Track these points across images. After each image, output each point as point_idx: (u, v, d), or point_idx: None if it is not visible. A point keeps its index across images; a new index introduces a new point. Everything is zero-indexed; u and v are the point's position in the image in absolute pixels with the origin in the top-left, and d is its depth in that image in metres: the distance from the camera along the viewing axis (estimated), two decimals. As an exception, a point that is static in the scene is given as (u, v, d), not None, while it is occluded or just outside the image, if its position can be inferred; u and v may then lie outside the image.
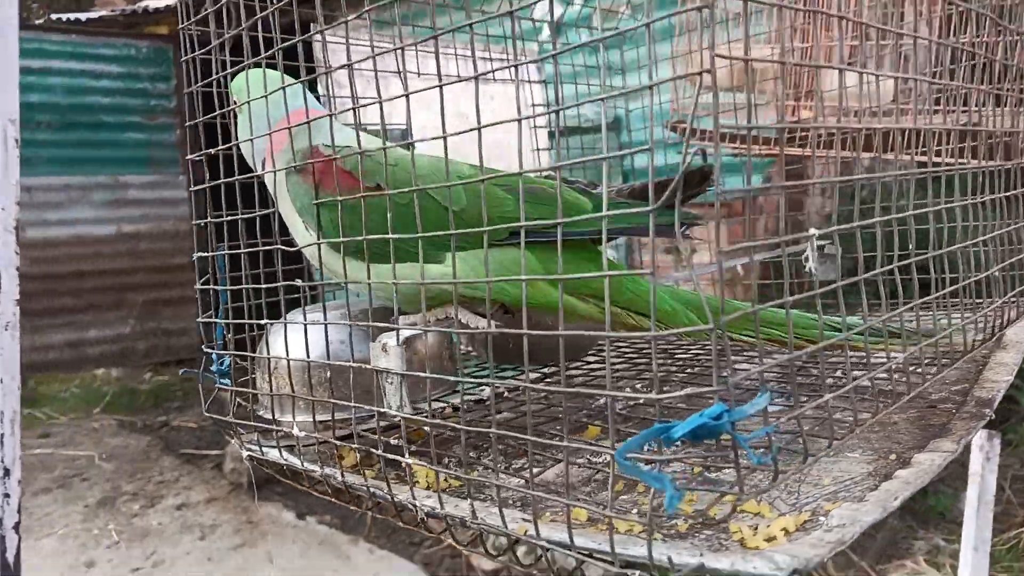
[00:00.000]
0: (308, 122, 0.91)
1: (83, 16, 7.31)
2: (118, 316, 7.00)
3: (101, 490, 4.61)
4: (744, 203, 3.39)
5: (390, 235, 0.81)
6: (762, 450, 0.75)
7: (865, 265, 0.77)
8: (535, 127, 1.92)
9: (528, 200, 1.00)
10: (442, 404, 1.11)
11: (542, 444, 0.70)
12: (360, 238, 0.84)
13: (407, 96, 0.83)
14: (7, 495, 0.64)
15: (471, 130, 0.79)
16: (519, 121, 0.72)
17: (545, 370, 1.32)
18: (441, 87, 0.81)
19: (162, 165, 7.20)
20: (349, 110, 0.90)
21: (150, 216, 7.12)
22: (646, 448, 0.83)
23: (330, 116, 0.91)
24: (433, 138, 0.81)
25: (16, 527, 0.62)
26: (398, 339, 0.86)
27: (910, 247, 0.84)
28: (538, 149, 1.84)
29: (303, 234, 1.07)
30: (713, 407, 0.51)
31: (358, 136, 0.87)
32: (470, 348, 1.45)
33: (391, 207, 0.83)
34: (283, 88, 0.94)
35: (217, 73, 1.02)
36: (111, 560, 3.78)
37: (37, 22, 7.69)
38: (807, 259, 1.04)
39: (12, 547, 0.62)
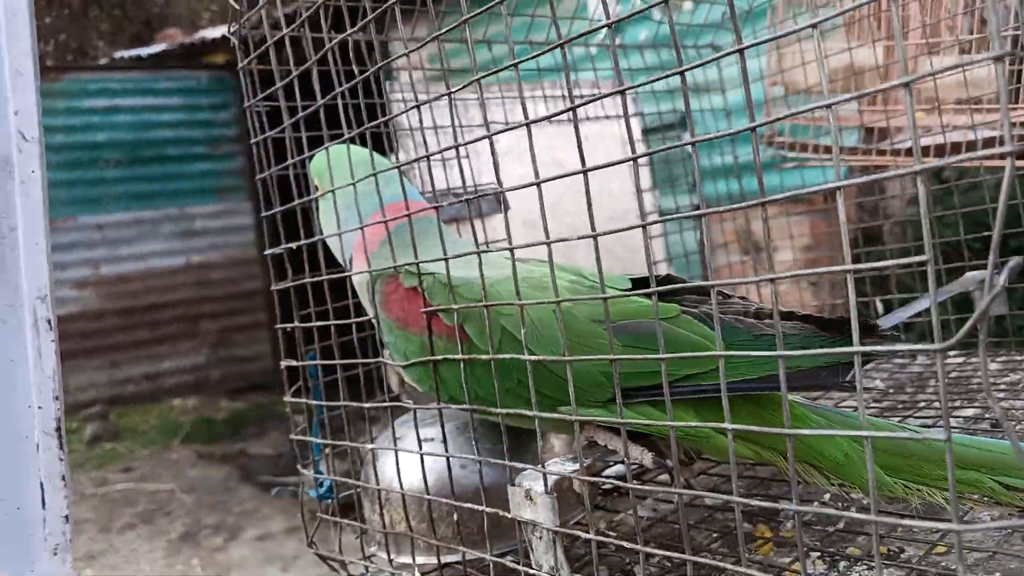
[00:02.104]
0: (409, 214, 0.79)
1: (143, 52, 7.45)
2: (192, 346, 7.10)
3: (183, 524, 4.63)
4: (825, 197, 3.20)
5: (499, 410, 0.70)
6: None
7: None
8: (637, 171, 1.78)
9: (631, 344, 0.82)
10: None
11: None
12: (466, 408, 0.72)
13: (465, 143, 0.71)
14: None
15: (573, 173, 0.67)
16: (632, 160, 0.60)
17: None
18: (529, 124, 0.69)
19: (227, 193, 7.28)
20: (413, 162, 0.79)
21: (218, 244, 7.21)
22: None
23: (436, 209, 0.79)
24: (526, 185, 0.70)
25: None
26: (546, 486, 0.70)
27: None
28: (640, 190, 1.70)
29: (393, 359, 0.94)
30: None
31: (480, 272, 0.74)
32: None
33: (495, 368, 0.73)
34: (375, 175, 0.83)
35: (290, 149, 0.90)
36: (196, 597, 3.77)
37: (101, 62, 7.88)
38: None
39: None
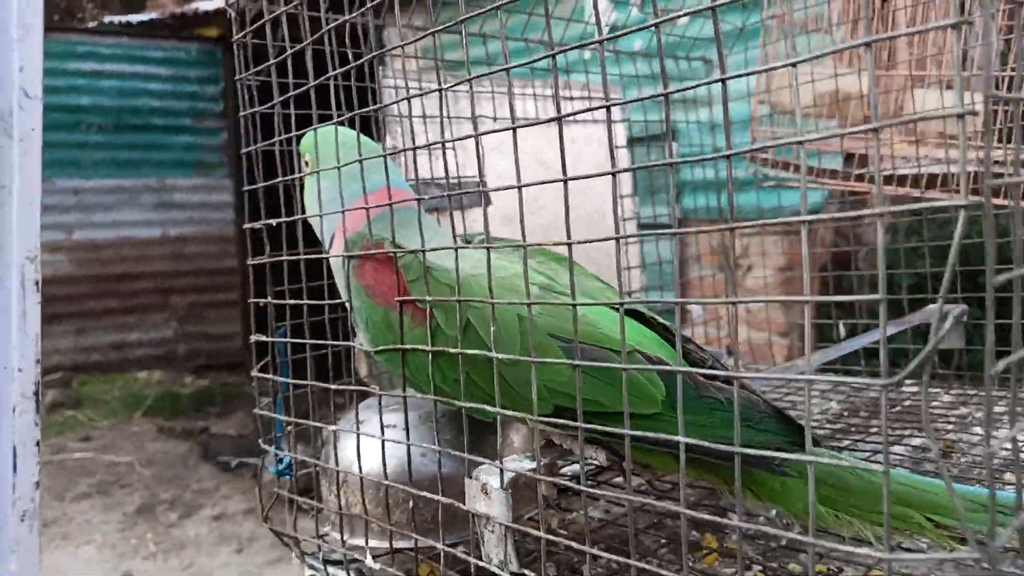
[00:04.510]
0: (392, 203, 0.80)
1: (134, 19, 7.36)
2: (162, 319, 7.03)
3: (140, 497, 4.59)
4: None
5: (464, 404, 0.71)
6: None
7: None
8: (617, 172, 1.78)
9: (588, 372, 0.81)
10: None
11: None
12: (434, 399, 0.73)
13: (476, 139, 0.72)
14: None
15: (554, 181, 0.68)
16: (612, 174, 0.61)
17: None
18: (515, 128, 0.70)
19: (209, 168, 7.21)
20: (399, 152, 0.80)
21: (195, 219, 7.14)
22: None
23: (418, 201, 0.80)
24: (507, 187, 0.70)
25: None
26: (502, 481, 0.71)
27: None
28: (621, 196, 1.71)
29: (361, 333, 0.95)
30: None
31: (457, 259, 0.75)
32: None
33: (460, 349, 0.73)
34: (360, 160, 0.83)
35: (278, 126, 0.90)
36: (148, 571, 3.74)
37: (90, 25, 7.77)
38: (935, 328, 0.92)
39: None
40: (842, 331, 1.76)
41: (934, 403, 1.48)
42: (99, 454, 5.32)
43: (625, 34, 0.63)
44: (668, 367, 0.78)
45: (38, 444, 0.60)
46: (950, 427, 1.34)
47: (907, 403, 1.51)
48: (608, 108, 0.62)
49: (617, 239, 0.64)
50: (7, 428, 0.58)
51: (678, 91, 0.61)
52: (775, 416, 0.84)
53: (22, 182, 0.63)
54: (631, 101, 0.62)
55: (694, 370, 0.60)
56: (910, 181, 1.53)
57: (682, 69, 2.31)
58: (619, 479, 1.12)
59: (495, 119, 1.14)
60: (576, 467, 1.09)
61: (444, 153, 0.83)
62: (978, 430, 1.30)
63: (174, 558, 3.85)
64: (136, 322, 6.94)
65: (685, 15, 0.63)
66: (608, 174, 0.61)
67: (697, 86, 0.59)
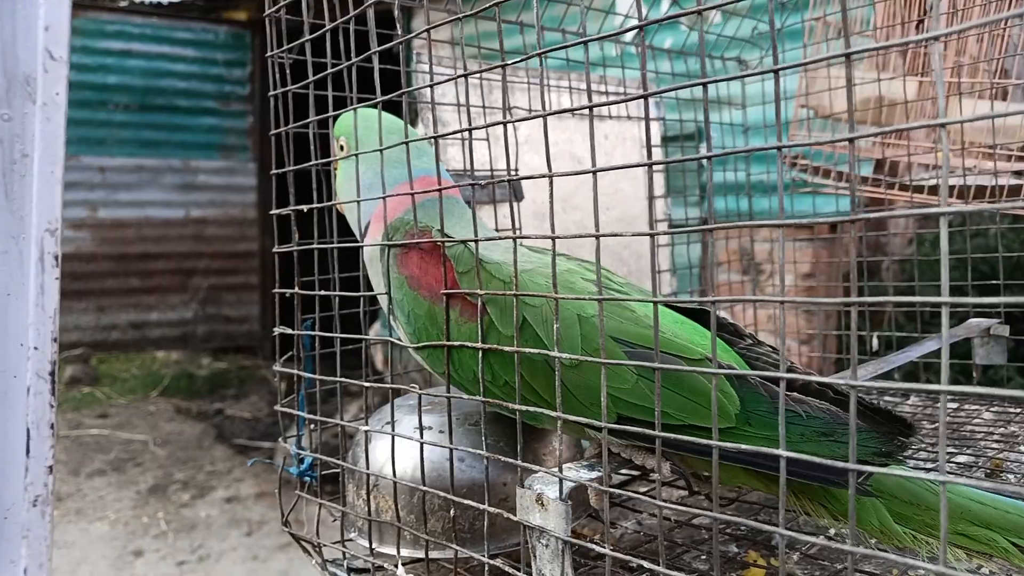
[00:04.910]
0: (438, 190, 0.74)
1: None
2: (181, 300, 7.06)
3: (153, 476, 4.61)
4: (831, 227, 3.19)
5: (519, 407, 0.67)
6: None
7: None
8: (651, 171, 1.75)
9: (638, 371, 0.77)
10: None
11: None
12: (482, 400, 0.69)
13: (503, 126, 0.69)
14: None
15: (583, 172, 0.65)
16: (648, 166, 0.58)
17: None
18: (546, 116, 0.67)
19: (233, 151, 7.23)
20: (450, 134, 0.77)
21: (218, 201, 7.16)
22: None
23: (473, 189, 0.76)
24: (536, 176, 0.67)
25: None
26: (561, 492, 0.66)
27: None
28: (652, 197, 1.68)
29: (399, 328, 0.90)
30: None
31: (515, 260, 0.69)
32: None
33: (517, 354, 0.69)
34: (407, 143, 0.78)
35: (313, 106, 0.86)
36: (158, 550, 3.75)
37: (121, 4, 7.79)
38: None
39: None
40: (875, 343, 1.72)
41: (975, 420, 1.44)
42: (115, 431, 5.35)
43: (668, 19, 0.60)
44: (757, 373, 0.74)
45: (53, 426, 0.57)
46: (994, 445, 1.29)
47: (947, 420, 1.47)
48: (645, 98, 0.59)
49: (652, 235, 0.60)
50: (21, 409, 0.56)
51: (718, 80, 0.58)
52: (866, 429, 0.77)
53: (44, 150, 0.60)
54: (669, 89, 0.59)
55: (790, 375, 0.56)
56: (956, 193, 1.49)
57: (717, 69, 2.27)
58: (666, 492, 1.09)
59: (529, 111, 1.11)
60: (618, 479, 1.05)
61: (469, 142, 0.79)
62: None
63: (184, 538, 3.86)
64: (156, 302, 6.97)
65: (729, 3, 0.60)
66: (643, 165, 0.58)
67: (747, 76, 0.56)
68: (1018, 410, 1.49)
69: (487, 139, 1.14)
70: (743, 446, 0.55)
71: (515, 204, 1.06)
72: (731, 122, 2.27)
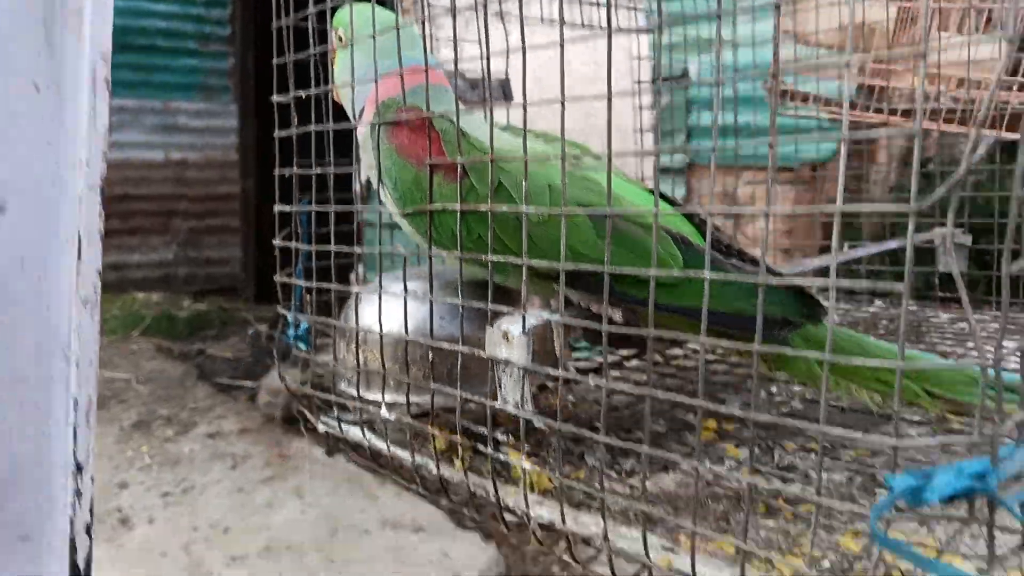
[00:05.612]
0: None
1: (143, -65, 7.20)
2: (162, 242, 7.04)
3: (137, 413, 4.65)
4: (813, 166, 3.24)
5: (491, 258, 0.73)
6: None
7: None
8: (639, 106, 1.76)
9: (603, 232, 0.86)
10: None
11: (657, 452, 0.61)
12: (463, 256, 0.74)
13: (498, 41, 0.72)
14: (79, 493, 0.56)
15: (555, 101, 0.70)
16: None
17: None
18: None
19: (213, 93, 7.14)
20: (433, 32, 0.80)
21: (198, 144, 7.09)
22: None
23: (456, 98, 0.81)
24: (518, 104, 0.72)
25: (88, 530, 0.55)
26: (524, 327, 0.75)
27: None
28: (641, 130, 1.71)
29: (387, 198, 0.97)
30: (973, 462, 0.40)
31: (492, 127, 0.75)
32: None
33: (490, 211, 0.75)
34: (397, 29, 0.84)
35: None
36: (143, 483, 3.81)
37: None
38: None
39: (83, 551, 0.55)
40: (845, 248, 1.79)
41: (932, 319, 1.50)
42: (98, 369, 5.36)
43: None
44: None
45: (102, 236, 0.61)
46: (949, 340, 1.37)
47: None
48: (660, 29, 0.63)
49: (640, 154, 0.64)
50: (71, 217, 0.59)
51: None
52: (789, 290, 0.87)
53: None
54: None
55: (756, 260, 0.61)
56: (928, 116, 1.54)
57: (699, 7, 2.29)
58: (628, 365, 1.15)
59: (520, 17, 1.13)
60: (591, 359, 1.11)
61: (455, 40, 0.83)
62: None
63: (168, 472, 3.92)
64: (137, 244, 6.95)
65: None
66: (627, 94, 0.62)
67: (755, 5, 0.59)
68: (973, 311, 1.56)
69: (479, 41, 1.16)
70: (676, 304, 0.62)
71: (507, 105, 1.10)
72: (710, 59, 2.29)
